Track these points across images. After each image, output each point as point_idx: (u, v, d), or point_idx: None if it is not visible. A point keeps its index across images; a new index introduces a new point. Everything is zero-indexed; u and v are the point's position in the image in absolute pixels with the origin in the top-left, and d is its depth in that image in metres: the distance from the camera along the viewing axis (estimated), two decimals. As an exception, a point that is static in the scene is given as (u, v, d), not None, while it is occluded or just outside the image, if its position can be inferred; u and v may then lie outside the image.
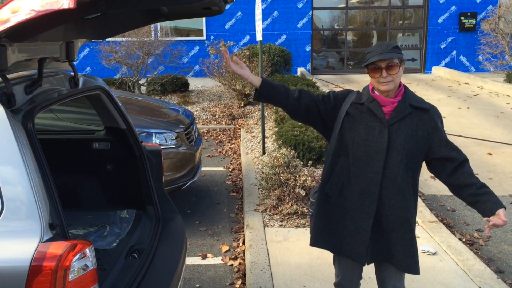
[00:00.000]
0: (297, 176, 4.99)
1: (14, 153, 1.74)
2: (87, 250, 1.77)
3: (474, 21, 14.12)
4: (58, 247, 1.69)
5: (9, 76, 2.03)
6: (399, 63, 2.32)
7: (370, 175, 2.35)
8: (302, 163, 5.34)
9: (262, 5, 13.53)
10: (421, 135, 2.34)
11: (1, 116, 1.78)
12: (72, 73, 2.69)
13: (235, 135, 8.58)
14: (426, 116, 2.35)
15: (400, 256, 2.40)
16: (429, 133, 2.35)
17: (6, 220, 1.70)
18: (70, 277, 1.70)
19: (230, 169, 6.64)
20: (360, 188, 2.38)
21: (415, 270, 2.42)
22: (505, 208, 2.30)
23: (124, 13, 2.51)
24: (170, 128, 4.80)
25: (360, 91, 2.49)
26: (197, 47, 13.83)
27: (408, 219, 2.39)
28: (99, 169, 3.13)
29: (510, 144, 7.12)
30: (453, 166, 2.36)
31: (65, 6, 1.54)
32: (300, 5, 13.81)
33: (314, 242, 2.57)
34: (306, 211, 4.67)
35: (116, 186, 3.12)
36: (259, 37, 6.51)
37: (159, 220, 2.96)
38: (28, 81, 2.21)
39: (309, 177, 4.98)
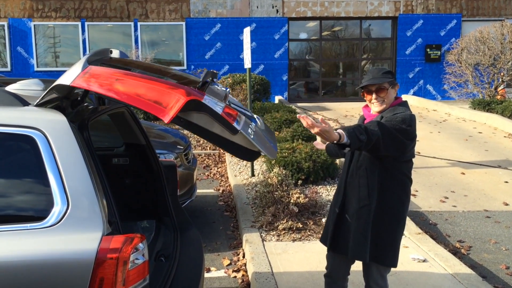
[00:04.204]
0: (290, 193, 5.26)
1: (77, 155, 1.96)
2: (140, 244, 1.98)
3: (439, 52, 15.03)
4: (118, 240, 1.90)
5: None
6: (389, 85, 2.68)
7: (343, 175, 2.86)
8: (293, 182, 5.62)
9: (240, 36, 13.96)
10: None
11: (65, 123, 2.01)
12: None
13: (220, 159, 8.81)
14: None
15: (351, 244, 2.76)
16: None
17: (72, 216, 1.90)
18: (129, 267, 1.91)
19: (221, 191, 6.85)
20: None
21: (362, 257, 2.72)
22: (341, 138, 2.30)
23: None
24: (170, 149, 5.02)
25: None
26: (177, 76, 14.13)
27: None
28: (118, 183, 3.31)
29: (480, 165, 7.63)
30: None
31: (164, 120, 1.86)
32: (277, 37, 14.39)
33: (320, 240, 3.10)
34: (300, 226, 4.92)
35: (134, 198, 3.30)
36: (247, 64, 6.87)
37: (177, 230, 3.16)
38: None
39: (302, 195, 5.26)
